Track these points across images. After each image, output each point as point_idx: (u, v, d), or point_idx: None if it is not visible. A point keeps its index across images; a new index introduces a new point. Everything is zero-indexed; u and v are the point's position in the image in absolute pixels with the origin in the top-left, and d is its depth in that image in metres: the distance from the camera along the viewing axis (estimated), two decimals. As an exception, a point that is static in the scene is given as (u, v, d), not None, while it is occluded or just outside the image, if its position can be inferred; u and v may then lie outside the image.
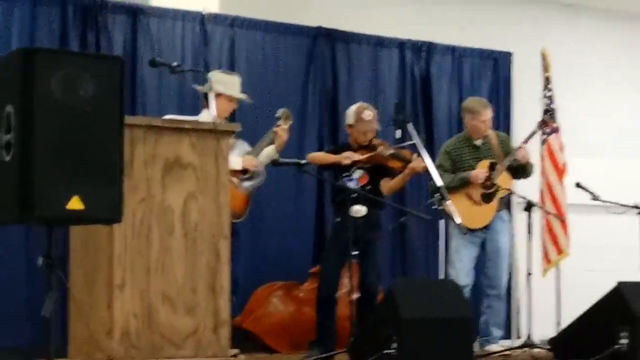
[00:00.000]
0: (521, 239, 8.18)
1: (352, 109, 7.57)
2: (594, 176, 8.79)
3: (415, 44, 9.46)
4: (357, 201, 7.01)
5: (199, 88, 6.99)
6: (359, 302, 7.22)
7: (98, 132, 4.11)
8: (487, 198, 7.69)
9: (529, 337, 7.58)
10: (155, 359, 5.18)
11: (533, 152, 8.21)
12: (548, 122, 8.30)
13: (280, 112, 7.25)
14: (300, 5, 9.03)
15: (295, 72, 8.82)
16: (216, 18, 8.44)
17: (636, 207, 8.41)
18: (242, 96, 7.14)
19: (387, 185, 7.54)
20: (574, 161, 9.10)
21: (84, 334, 5.22)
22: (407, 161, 7.39)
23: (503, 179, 7.71)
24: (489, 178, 7.67)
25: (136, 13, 8.10)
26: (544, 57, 9.01)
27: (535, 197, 8.40)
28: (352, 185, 7.23)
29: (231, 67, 8.15)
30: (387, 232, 8.22)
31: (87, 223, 4.57)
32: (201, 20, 8.35)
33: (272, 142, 7.19)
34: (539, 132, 8.32)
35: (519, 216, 8.48)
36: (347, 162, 7.33)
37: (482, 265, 7.81)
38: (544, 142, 8.85)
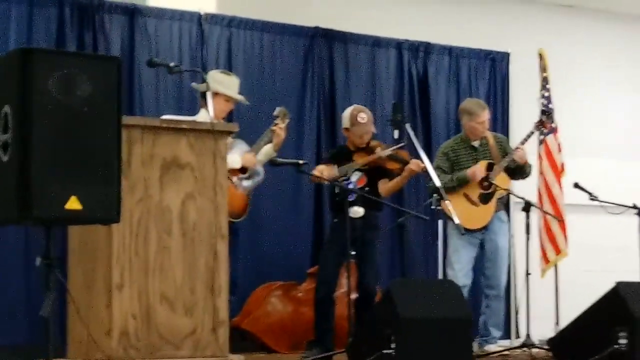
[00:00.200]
0: (519, 239, 8.18)
1: (347, 112, 7.56)
2: (592, 176, 8.78)
3: (413, 44, 9.46)
4: (355, 202, 7.01)
5: (197, 87, 6.97)
6: (357, 302, 7.23)
7: (96, 132, 4.10)
8: (485, 199, 7.69)
9: (527, 337, 7.56)
10: (154, 359, 5.18)
11: (531, 153, 8.22)
12: (545, 122, 8.30)
13: (277, 110, 7.25)
14: (298, 6, 9.03)
15: (293, 72, 8.82)
16: (213, 18, 8.44)
17: (634, 207, 8.40)
18: (240, 97, 7.13)
19: (386, 186, 7.53)
20: (572, 161, 9.11)
21: (83, 334, 5.21)
22: (405, 162, 7.38)
23: (501, 180, 7.71)
24: (486, 178, 7.67)
25: (133, 13, 8.10)
26: (541, 57, 9.02)
27: (533, 198, 8.40)
28: (350, 186, 7.23)
29: (228, 67, 8.15)
30: (386, 232, 8.22)
31: (85, 223, 4.56)
32: (198, 20, 8.35)
33: (270, 141, 7.19)
34: (537, 133, 8.32)
35: (518, 216, 8.49)
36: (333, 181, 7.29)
37: (481, 265, 7.81)
38: (541, 142, 8.86)
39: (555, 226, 8.83)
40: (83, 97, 4.05)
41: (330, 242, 7.46)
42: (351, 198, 7.04)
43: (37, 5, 7.72)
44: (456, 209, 6.99)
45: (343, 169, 7.35)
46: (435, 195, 7.09)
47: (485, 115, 7.79)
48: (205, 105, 6.68)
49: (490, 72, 9.89)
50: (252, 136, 7.25)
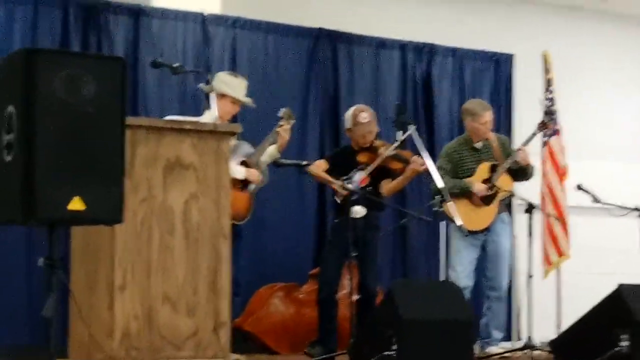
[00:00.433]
0: (522, 241, 8.18)
1: (349, 112, 7.58)
2: (595, 178, 8.77)
3: (417, 46, 9.47)
4: (357, 202, 7.01)
5: (203, 87, 6.99)
6: (359, 303, 7.23)
7: (100, 132, 4.10)
8: (487, 200, 7.69)
9: (529, 339, 7.57)
10: (156, 360, 5.19)
11: (534, 154, 8.21)
12: (548, 124, 8.30)
13: (282, 111, 7.25)
14: (302, 7, 9.04)
15: (297, 74, 8.83)
16: (217, 19, 8.45)
17: (637, 209, 8.39)
18: (247, 100, 7.12)
19: (388, 186, 7.53)
20: (575, 163, 9.10)
21: (85, 334, 5.22)
22: (408, 162, 7.39)
23: (503, 181, 7.71)
24: (489, 180, 7.67)
25: (138, 14, 8.11)
26: (545, 59, 9.01)
27: (536, 199, 8.39)
28: (352, 186, 7.23)
29: (232, 68, 8.16)
30: (388, 233, 8.23)
31: (88, 224, 4.56)
32: (202, 21, 8.36)
33: (274, 142, 7.19)
34: (540, 134, 8.32)
35: (520, 218, 8.47)
36: (339, 191, 7.30)
37: (483, 267, 7.82)
38: (545, 144, 8.84)
39: (557, 228, 8.83)
40: (87, 97, 4.05)
41: (332, 242, 7.47)
42: (353, 198, 7.05)
43: (41, 6, 7.74)
44: (459, 210, 7.00)
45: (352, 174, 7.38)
46: (437, 196, 7.09)
47: (488, 116, 7.79)
48: (209, 106, 6.69)
49: (494, 73, 9.90)
50: (255, 137, 7.26)
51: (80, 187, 4.02)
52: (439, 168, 7.53)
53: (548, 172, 8.87)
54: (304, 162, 7.34)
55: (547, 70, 9.00)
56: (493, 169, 7.70)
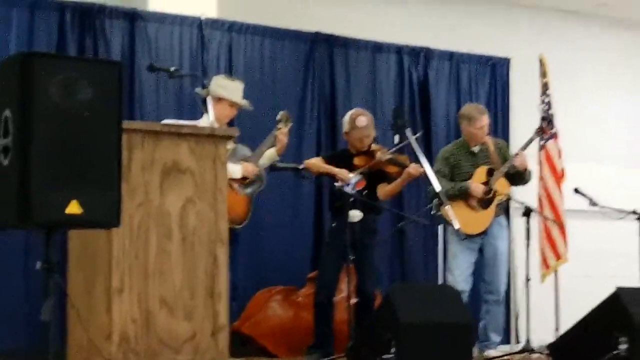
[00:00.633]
0: (520, 245, 8.18)
1: (347, 116, 7.59)
2: (592, 182, 8.79)
3: (413, 50, 9.46)
4: (353, 206, 7.02)
5: (200, 91, 6.98)
6: (357, 306, 7.23)
7: (96, 136, 4.10)
8: (485, 204, 7.70)
9: (527, 342, 7.57)
10: (153, 364, 5.18)
11: (531, 158, 8.22)
12: (545, 129, 8.30)
13: (280, 114, 7.26)
14: (299, 11, 9.04)
15: (294, 77, 8.82)
16: (214, 23, 8.44)
17: (634, 212, 8.40)
18: (244, 102, 7.13)
19: (384, 190, 7.53)
20: (572, 167, 9.11)
21: (83, 338, 5.21)
22: (404, 166, 7.39)
23: (501, 185, 7.71)
24: (486, 184, 7.68)
25: (134, 18, 8.10)
26: (541, 63, 9.02)
27: (533, 203, 8.40)
28: (349, 190, 7.23)
29: (229, 72, 8.15)
30: (386, 237, 8.22)
31: (85, 227, 4.55)
32: (199, 25, 8.35)
33: (273, 146, 7.20)
34: (537, 139, 8.32)
35: (518, 222, 8.48)
36: (338, 178, 7.30)
37: (481, 270, 7.82)
38: (542, 147, 8.85)
39: (555, 231, 8.84)
40: (84, 101, 4.05)
41: (329, 246, 7.47)
42: (350, 200, 7.05)
43: (38, 10, 7.73)
44: (456, 214, 7.00)
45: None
46: (435, 200, 7.09)
47: (485, 121, 7.79)
48: (206, 111, 6.69)
49: (490, 77, 9.89)
50: (252, 141, 7.26)
51: (77, 191, 4.02)
52: (437, 172, 7.52)
53: (545, 176, 8.88)
54: (301, 166, 7.34)
55: (543, 74, 9.01)
56: (490, 173, 7.71)
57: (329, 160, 7.56)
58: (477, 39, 9.83)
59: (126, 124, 4.67)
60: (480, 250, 7.77)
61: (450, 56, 9.67)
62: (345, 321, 6.86)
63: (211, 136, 5.49)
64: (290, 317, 8.06)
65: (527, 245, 7.69)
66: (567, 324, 7.25)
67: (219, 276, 5.38)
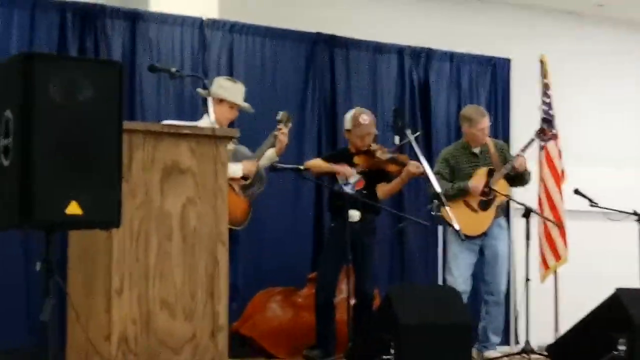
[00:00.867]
0: (519, 245, 8.19)
1: (350, 113, 7.60)
2: (592, 183, 8.79)
3: (414, 50, 9.46)
4: (353, 206, 7.03)
5: (201, 92, 6.99)
6: (356, 307, 7.23)
7: (97, 137, 4.10)
8: (485, 205, 7.70)
9: (527, 343, 7.58)
10: (153, 364, 5.18)
11: (531, 159, 8.22)
12: (546, 130, 8.30)
13: (280, 115, 7.26)
14: (299, 11, 9.04)
15: (294, 78, 8.82)
16: (215, 24, 8.45)
17: (634, 213, 8.42)
18: (245, 105, 7.14)
19: (384, 189, 7.54)
20: (573, 168, 9.12)
21: (82, 339, 5.21)
22: (404, 165, 7.40)
23: (501, 186, 7.72)
24: (486, 185, 7.68)
25: (135, 18, 8.10)
26: (542, 64, 9.03)
27: (533, 204, 8.41)
28: (348, 189, 7.23)
29: (230, 73, 8.15)
30: (386, 238, 8.23)
31: (85, 228, 4.55)
32: (200, 25, 8.35)
33: (273, 146, 7.20)
34: (538, 140, 8.32)
35: (518, 222, 8.49)
36: (341, 175, 7.32)
37: (480, 271, 7.82)
38: (542, 148, 8.86)
39: (555, 232, 8.85)
40: (84, 102, 4.05)
41: (329, 246, 7.48)
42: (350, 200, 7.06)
43: (38, 10, 7.73)
44: (456, 215, 7.00)
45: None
46: (435, 201, 7.10)
47: (485, 122, 7.79)
48: (207, 111, 6.69)
49: (491, 78, 9.89)
50: (253, 141, 7.26)
51: (78, 192, 4.02)
52: (437, 173, 7.54)
53: (545, 177, 8.89)
54: (301, 167, 7.34)
55: (544, 75, 9.02)
56: (490, 173, 7.71)
57: (328, 160, 7.57)
58: (477, 40, 9.84)
59: (127, 125, 4.67)
60: (480, 251, 7.77)
61: (451, 57, 9.68)
62: (345, 322, 6.86)
63: (212, 137, 5.49)
64: (290, 318, 8.06)
65: (527, 246, 7.70)
66: (566, 324, 7.26)
67: (219, 277, 5.38)
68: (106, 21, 7.98)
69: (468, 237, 7.53)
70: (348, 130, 7.56)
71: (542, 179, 8.90)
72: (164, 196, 5.28)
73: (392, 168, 7.46)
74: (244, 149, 7.16)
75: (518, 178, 7.80)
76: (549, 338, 7.88)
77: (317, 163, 7.54)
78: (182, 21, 8.29)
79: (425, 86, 9.51)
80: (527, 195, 8.34)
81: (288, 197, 8.60)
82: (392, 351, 5.73)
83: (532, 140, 8.00)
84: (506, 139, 9.35)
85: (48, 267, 4.10)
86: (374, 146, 7.51)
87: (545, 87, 9.03)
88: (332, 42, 9.03)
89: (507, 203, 8.04)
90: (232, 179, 6.59)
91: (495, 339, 7.87)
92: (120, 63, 4.38)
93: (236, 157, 6.97)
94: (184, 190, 5.33)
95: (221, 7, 8.55)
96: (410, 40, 9.46)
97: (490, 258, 7.76)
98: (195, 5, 8.36)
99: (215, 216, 5.40)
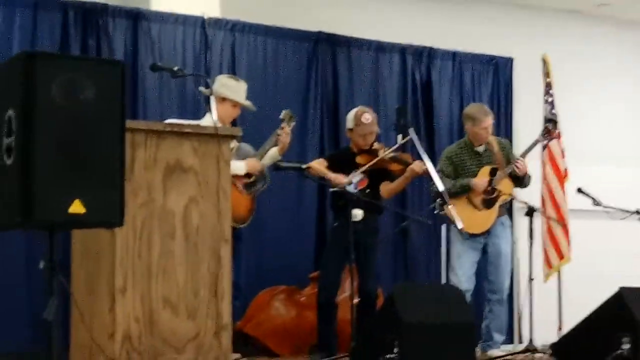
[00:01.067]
0: (523, 244, 8.18)
1: (352, 112, 7.59)
2: (595, 182, 8.78)
3: (417, 49, 9.46)
4: (357, 205, 7.01)
5: (203, 91, 6.99)
6: (359, 307, 7.22)
7: (99, 136, 4.09)
8: (488, 203, 7.69)
9: (530, 342, 7.57)
10: (156, 363, 5.18)
11: (534, 158, 8.21)
12: (552, 130, 8.27)
13: (283, 113, 7.26)
14: (301, 10, 9.04)
15: (296, 77, 8.83)
16: (217, 22, 8.44)
17: (637, 212, 8.40)
18: (247, 103, 7.14)
19: (387, 188, 7.53)
20: (576, 167, 9.11)
21: (86, 338, 5.21)
22: (407, 164, 7.39)
23: (504, 185, 7.70)
24: (490, 183, 7.67)
25: (137, 18, 8.10)
26: (545, 63, 9.03)
27: (536, 203, 8.40)
28: (351, 189, 7.23)
29: (232, 72, 8.16)
30: (389, 236, 8.22)
31: (88, 227, 4.55)
32: (202, 24, 8.35)
33: (275, 145, 7.20)
34: (542, 140, 8.31)
35: (521, 221, 8.48)
36: (335, 183, 7.30)
37: (484, 270, 7.81)
38: (545, 147, 8.85)
39: (558, 231, 8.84)
40: (87, 101, 4.04)
41: (331, 246, 7.47)
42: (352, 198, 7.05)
43: (41, 10, 7.73)
44: (459, 213, 6.99)
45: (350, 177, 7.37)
46: (438, 199, 7.09)
47: (489, 121, 7.78)
48: (210, 109, 6.69)
49: (493, 77, 9.90)
50: (256, 140, 7.26)
51: (80, 191, 4.01)
52: (440, 171, 7.54)
53: (548, 176, 8.88)
54: (304, 165, 7.33)
55: (546, 74, 9.01)
56: (493, 172, 7.70)
57: (331, 160, 7.55)
58: (480, 39, 9.84)
59: (129, 124, 4.66)
60: (484, 250, 7.77)
61: (453, 56, 9.68)
62: (348, 321, 6.85)
63: (214, 135, 5.48)
64: (293, 317, 8.06)
65: (530, 245, 7.69)
66: (570, 323, 7.24)
67: (222, 275, 5.38)
68: (108, 20, 7.98)
69: (471, 236, 7.54)
70: (350, 129, 7.55)
71: (545, 178, 8.90)
72: (166, 195, 5.27)
73: (394, 167, 7.45)
74: (247, 147, 7.16)
75: (518, 181, 7.78)
76: (552, 337, 7.86)
77: (316, 166, 7.50)
78: (184, 20, 8.29)
79: (428, 85, 9.51)
80: (530, 194, 8.33)
81: (291, 196, 8.60)
82: (395, 350, 5.72)
83: (537, 141, 7.99)
84: (508, 137, 9.35)
85: (51, 266, 4.09)
86: (376, 145, 7.50)
87: (548, 86, 9.02)
88: (334, 41, 9.03)
89: (511, 202, 8.02)
90: (235, 176, 6.58)
91: (498, 337, 7.87)
92: (123, 62, 4.37)
93: (239, 155, 6.97)
94: (187, 189, 5.32)
95: (223, 6, 8.55)
96: (413, 39, 9.45)
97: (494, 257, 7.76)
98: (197, 4, 8.36)
99: (218, 215, 5.39)
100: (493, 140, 7.82)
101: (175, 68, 6.38)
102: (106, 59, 7.46)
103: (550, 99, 8.98)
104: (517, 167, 7.63)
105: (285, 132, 7.18)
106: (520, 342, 9.13)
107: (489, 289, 7.85)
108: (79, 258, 5.53)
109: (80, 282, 5.45)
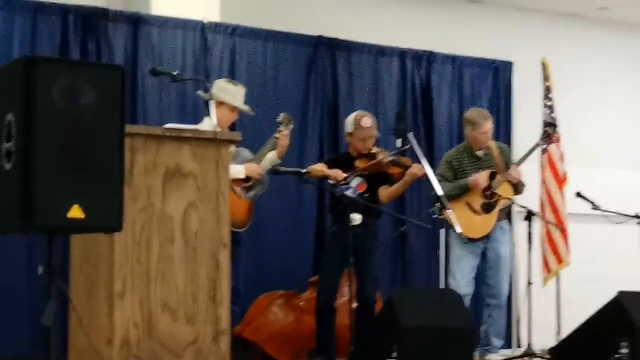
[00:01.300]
0: (522, 249, 8.19)
1: (351, 117, 7.60)
2: (594, 186, 8.79)
3: (416, 53, 9.47)
4: (356, 209, 7.02)
5: (203, 95, 7.00)
6: (358, 311, 7.22)
7: (99, 141, 4.09)
8: (487, 208, 7.69)
9: (529, 346, 7.58)
10: (156, 368, 5.18)
11: (533, 162, 8.21)
12: (552, 135, 8.28)
13: (281, 117, 7.26)
14: (302, 15, 9.05)
15: (296, 81, 8.83)
16: (217, 27, 8.45)
17: (636, 216, 8.41)
18: (245, 107, 7.14)
19: (387, 192, 7.53)
20: (575, 171, 9.11)
21: (85, 343, 5.21)
22: (407, 167, 7.39)
23: (504, 189, 7.71)
24: (489, 188, 7.67)
25: (137, 22, 8.11)
26: (544, 67, 9.04)
27: (535, 207, 8.41)
28: (350, 193, 7.23)
29: (232, 76, 8.16)
30: (388, 241, 8.22)
31: (87, 232, 4.55)
32: (202, 29, 8.35)
33: (274, 149, 7.20)
34: (539, 141, 8.32)
35: (520, 226, 8.49)
36: (332, 178, 7.30)
37: (483, 275, 7.81)
38: (544, 151, 8.85)
39: (557, 235, 8.84)
40: (86, 105, 4.04)
41: (330, 250, 7.47)
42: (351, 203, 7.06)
43: (41, 14, 7.74)
44: (458, 218, 7.00)
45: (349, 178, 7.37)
46: (437, 204, 7.09)
47: (489, 126, 7.79)
48: (209, 114, 6.70)
49: (493, 81, 9.90)
50: (255, 145, 7.26)
51: (80, 195, 4.02)
52: (440, 175, 7.54)
53: (547, 180, 8.89)
54: (304, 170, 7.34)
55: (546, 78, 9.02)
56: (492, 176, 7.70)
57: (331, 164, 7.56)
58: (479, 43, 9.84)
59: (129, 128, 4.68)
60: (483, 255, 7.77)
61: (453, 60, 9.68)
62: (347, 325, 6.85)
63: (214, 140, 5.49)
64: (292, 322, 8.05)
65: (529, 249, 7.70)
66: (568, 328, 7.27)
67: (221, 280, 5.38)
68: (108, 25, 7.99)
69: (470, 240, 7.54)
70: (350, 134, 7.56)
71: (544, 182, 8.90)
72: (166, 200, 5.28)
73: (394, 171, 7.45)
74: (245, 152, 7.16)
75: (515, 186, 7.78)
76: (551, 341, 7.87)
77: (317, 168, 7.51)
78: (184, 25, 8.29)
79: (428, 89, 9.51)
80: (529, 198, 8.33)
81: (290, 200, 8.60)
82: (394, 355, 5.73)
83: (537, 145, 8.00)
84: (508, 141, 9.35)
85: (50, 271, 4.10)
86: (375, 149, 7.51)
87: (547, 90, 9.03)
88: (334, 46, 9.03)
89: (510, 206, 8.03)
90: (234, 181, 6.59)
91: (497, 342, 7.87)
92: (123, 67, 4.38)
93: (237, 160, 6.97)
94: (186, 194, 5.32)
95: (223, 10, 8.56)
96: (413, 44, 9.46)
97: (493, 261, 7.76)
98: (197, 9, 8.36)
99: (218, 220, 5.40)
100: (493, 145, 7.82)
101: (175, 73, 6.38)
102: (106, 63, 7.47)
103: (549, 103, 8.99)
104: (511, 174, 7.63)
105: (283, 136, 7.18)
106: (519, 346, 9.15)
107: (488, 294, 7.84)
108: (78, 263, 5.53)
109: (79, 287, 5.45)
